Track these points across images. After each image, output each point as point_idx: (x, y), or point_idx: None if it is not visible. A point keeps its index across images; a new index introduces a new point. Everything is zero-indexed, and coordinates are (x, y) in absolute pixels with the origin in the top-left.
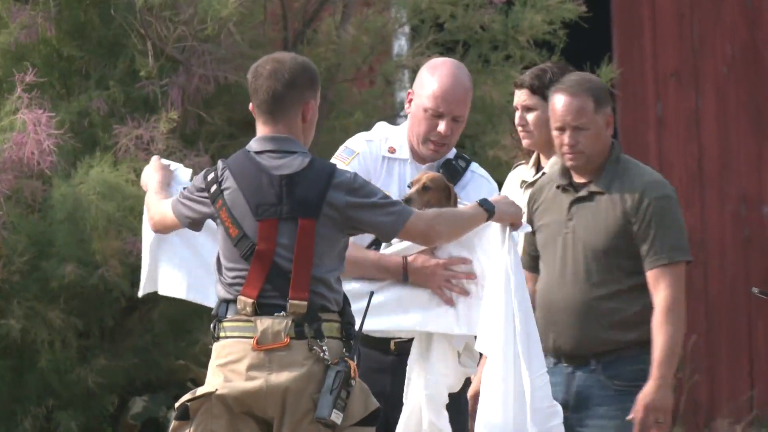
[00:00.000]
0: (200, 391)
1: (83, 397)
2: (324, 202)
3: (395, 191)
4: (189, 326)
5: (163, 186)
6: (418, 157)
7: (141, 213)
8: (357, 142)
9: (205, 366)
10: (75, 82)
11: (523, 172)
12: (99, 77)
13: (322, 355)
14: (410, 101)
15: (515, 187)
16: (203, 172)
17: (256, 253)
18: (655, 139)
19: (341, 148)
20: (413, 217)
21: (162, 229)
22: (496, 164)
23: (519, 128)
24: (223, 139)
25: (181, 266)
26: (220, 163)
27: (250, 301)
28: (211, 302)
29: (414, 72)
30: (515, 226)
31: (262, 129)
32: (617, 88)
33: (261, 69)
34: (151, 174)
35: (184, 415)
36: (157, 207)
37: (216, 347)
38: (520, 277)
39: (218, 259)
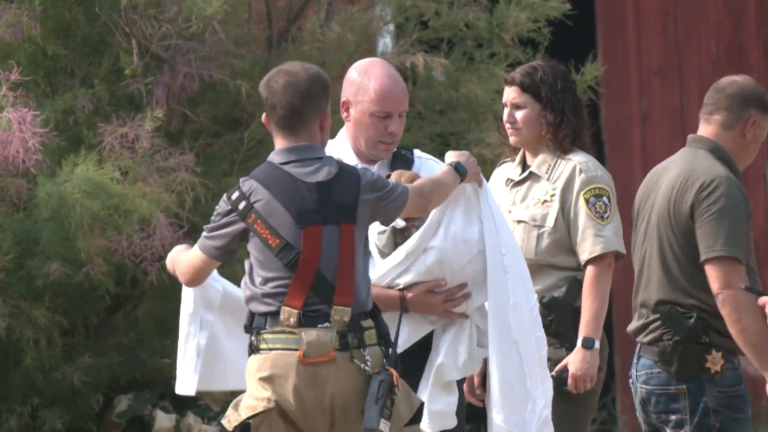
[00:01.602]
0: (254, 405)
1: (68, 396)
2: (358, 205)
3: None
4: (174, 324)
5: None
6: (367, 160)
7: (126, 211)
8: None
9: None
10: (60, 81)
11: (509, 169)
12: (84, 75)
13: (364, 366)
14: (346, 110)
15: (501, 185)
16: (224, 197)
17: (302, 261)
18: (639, 136)
19: None
20: (411, 194)
21: (195, 278)
22: (480, 162)
23: (507, 125)
24: (207, 137)
25: (227, 359)
26: (241, 181)
27: (295, 311)
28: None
29: (399, 70)
30: (479, 184)
31: (281, 142)
32: (602, 85)
33: (274, 84)
34: (176, 249)
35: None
36: (182, 259)
37: (256, 359)
38: (504, 225)
39: (250, 272)
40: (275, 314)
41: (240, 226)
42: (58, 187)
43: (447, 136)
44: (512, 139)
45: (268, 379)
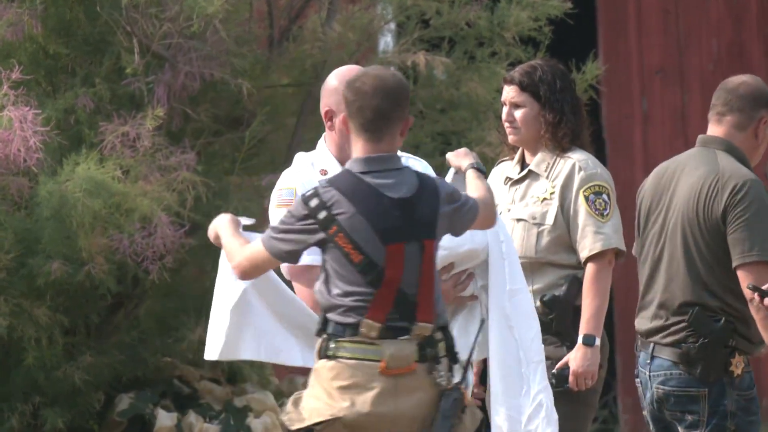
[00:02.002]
0: (325, 413)
1: (69, 395)
2: (437, 219)
3: None
4: (175, 323)
5: (237, 232)
6: None
7: (127, 210)
8: (288, 179)
9: (191, 363)
10: (61, 80)
11: (507, 168)
12: (85, 74)
13: (440, 380)
14: (329, 119)
15: (499, 184)
16: (301, 199)
17: (386, 279)
18: (640, 136)
19: (277, 192)
20: (481, 207)
21: (253, 273)
22: (482, 161)
23: (506, 124)
24: (209, 136)
25: (261, 330)
26: (321, 188)
27: (377, 325)
28: (281, 359)
29: (400, 69)
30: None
31: (363, 147)
32: (603, 84)
33: (362, 86)
34: (222, 223)
35: None
36: (243, 252)
37: (332, 366)
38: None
39: (326, 281)
40: (355, 326)
41: (319, 235)
42: (59, 186)
43: (448, 135)
44: (511, 138)
45: (346, 389)
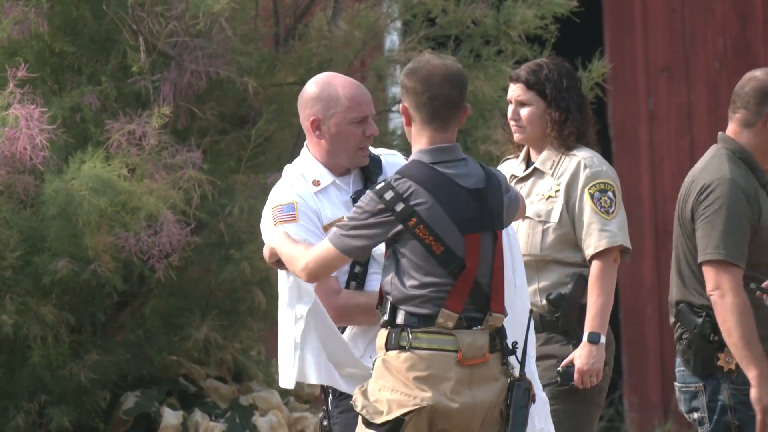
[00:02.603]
0: (408, 403)
1: (75, 393)
2: (504, 209)
3: (344, 213)
4: (181, 321)
5: (293, 239)
6: (342, 172)
7: (133, 208)
8: (284, 194)
9: (197, 361)
10: (67, 78)
11: (513, 166)
12: (91, 73)
13: (511, 369)
14: (317, 128)
15: None
16: (372, 194)
17: (466, 270)
18: (646, 134)
19: (276, 209)
20: (521, 196)
21: (321, 274)
22: (488, 159)
23: (511, 122)
24: (214, 134)
25: (320, 356)
26: (394, 180)
27: (455, 315)
28: (337, 384)
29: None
30: None
31: (431, 137)
32: (609, 82)
33: (431, 76)
34: (274, 238)
35: (396, 428)
36: (309, 254)
37: (406, 357)
38: None
39: (399, 272)
40: (430, 316)
41: (397, 228)
42: (65, 184)
43: None
44: (516, 137)
45: (424, 379)
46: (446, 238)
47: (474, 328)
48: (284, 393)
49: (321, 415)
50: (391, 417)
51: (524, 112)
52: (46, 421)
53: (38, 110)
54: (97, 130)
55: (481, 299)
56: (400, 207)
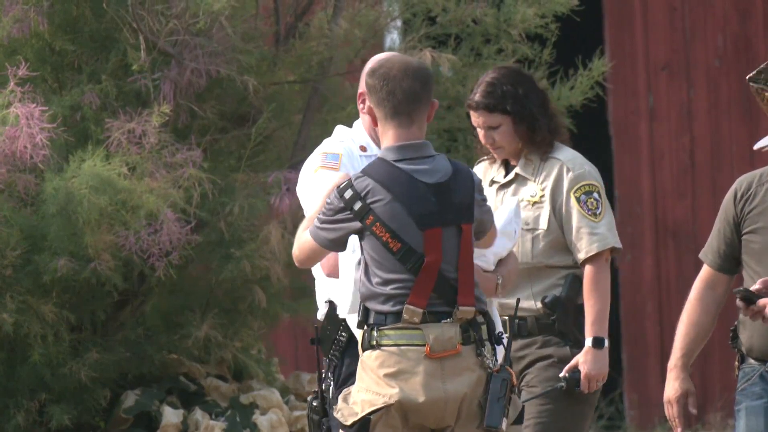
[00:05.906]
0: (377, 402)
1: (76, 391)
2: (474, 203)
3: None
4: (181, 320)
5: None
6: None
7: (133, 207)
8: (333, 145)
9: (198, 360)
10: (67, 76)
11: (492, 171)
12: (91, 71)
13: (488, 361)
14: (362, 101)
15: (484, 185)
16: (335, 191)
17: (426, 264)
18: (646, 131)
19: (320, 156)
20: (494, 219)
21: (306, 262)
22: None
23: (488, 146)
24: (215, 133)
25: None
26: (353, 178)
27: (420, 310)
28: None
29: None
30: None
31: (395, 133)
32: (609, 80)
33: (389, 71)
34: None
35: (365, 428)
36: (296, 242)
37: (377, 355)
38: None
39: (366, 270)
40: (397, 313)
41: (355, 225)
42: (65, 183)
43: (454, 132)
44: (498, 156)
45: (393, 375)
46: (403, 234)
47: (443, 321)
48: (285, 391)
49: (310, 397)
50: (357, 418)
51: (497, 134)
52: (46, 420)
53: (38, 109)
54: (97, 129)
55: (449, 293)
56: (357, 206)
